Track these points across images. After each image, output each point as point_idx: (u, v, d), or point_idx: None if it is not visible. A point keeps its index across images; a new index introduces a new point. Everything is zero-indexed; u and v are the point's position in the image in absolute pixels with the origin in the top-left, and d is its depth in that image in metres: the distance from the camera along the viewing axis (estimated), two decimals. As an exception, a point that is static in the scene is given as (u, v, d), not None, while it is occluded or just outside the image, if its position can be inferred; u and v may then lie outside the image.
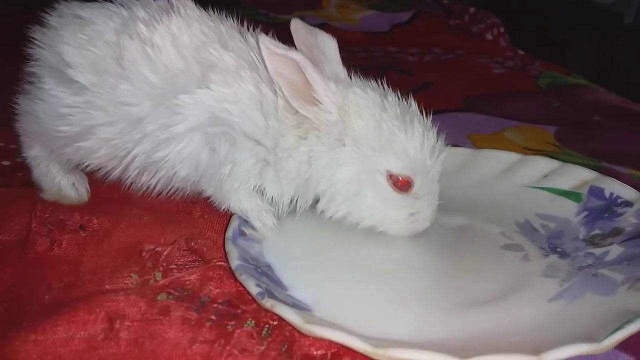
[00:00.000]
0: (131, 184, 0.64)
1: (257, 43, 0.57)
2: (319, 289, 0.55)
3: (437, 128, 0.62)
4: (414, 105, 0.61)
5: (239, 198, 0.62)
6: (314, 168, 0.59)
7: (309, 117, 0.57)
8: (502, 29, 1.50)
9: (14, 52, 0.64)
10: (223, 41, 0.58)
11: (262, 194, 0.62)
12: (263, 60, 0.56)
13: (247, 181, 0.60)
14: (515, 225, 0.65)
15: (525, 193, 0.70)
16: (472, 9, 1.62)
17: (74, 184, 0.69)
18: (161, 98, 0.57)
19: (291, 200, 0.62)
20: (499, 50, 1.43)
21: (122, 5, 0.61)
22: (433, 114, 1.09)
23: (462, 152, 0.77)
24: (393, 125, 0.57)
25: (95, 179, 0.67)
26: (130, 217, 0.66)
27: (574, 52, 2.13)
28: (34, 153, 0.68)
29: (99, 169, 0.64)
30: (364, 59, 1.44)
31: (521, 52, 1.40)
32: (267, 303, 0.50)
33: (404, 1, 1.70)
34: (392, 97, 0.60)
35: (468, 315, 0.52)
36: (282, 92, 0.56)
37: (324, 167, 0.58)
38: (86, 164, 0.64)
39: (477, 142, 0.93)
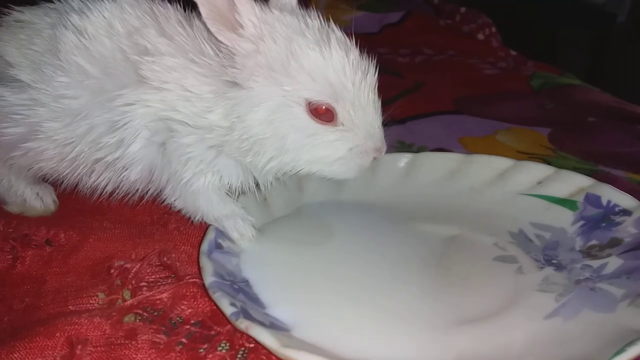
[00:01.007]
0: (93, 191, 0.60)
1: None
2: (299, 306, 0.52)
3: (366, 54, 0.55)
4: (336, 28, 0.56)
5: (210, 204, 0.58)
6: (236, 120, 0.53)
7: (227, 45, 0.52)
8: (493, 29, 1.47)
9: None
10: (158, 26, 0.55)
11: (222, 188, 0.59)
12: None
13: (207, 174, 0.57)
14: (508, 235, 0.62)
15: (519, 201, 0.66)
16: (463, 9, 1.58)
17: (38, 194, 0.66)
18: (98, 90, 0.55)
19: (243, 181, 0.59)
20: (491, 51, 1.40)
21: (59, 0, 0.60)
22: (424, 117, 1.08)
23: (452, 158, 0.74)
24: (308, 48, 0.52)
25: (66, 191, 0.64)
26: (101, 231, 0.62)
27: (567, 51, 2.11)
28: None
29: (54, 174, 0.61)
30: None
31: (513, 53, 1.37)
32: (242, 324, 0.46)
33: (394, 1, 1.67)
34: (313, 21, 0.55)
35: (458, 333, 0.49)
36: (201, 14, 0.52)
37: (244, 113, 0.53)
38: (37, 168, 0.61)
39: (468, 145, 0.90)
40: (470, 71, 1.29)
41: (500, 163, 0.70)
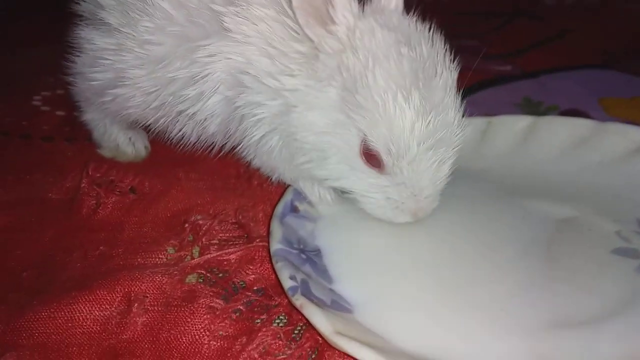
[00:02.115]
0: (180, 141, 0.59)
1: None
2: (369, 285, 0.47)
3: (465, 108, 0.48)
4: (444, 63, 0.48)
5: (285, 163, 0.54)
6: (293, 106, 0.48)
7: (313, 41, 0.47)
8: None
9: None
10: None
11: None
12: None
13: (280, 132, 0.52)
14: (636, 223, 0.51)
15: (657, 183, 0.55)
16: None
17: (130, 139, 0.67)
18: (181, 37, 0.52)
19: None
20: (660, -7, 1.20)
21: None
22: (563, 70, 0.95)
23: (581, 124, 0.62)
24: (386, 84, 0.45)
25: (159, 138, 0.63)
26: (185, 181, 0.62)
27: None
28: (91, 116, 0.67)
29: (144, 121, 0.60)
30: (490, 2, 1.27)
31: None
32: (297, 301, 0.42)
33: None
34: (419, 47, 0.47)
35: (553, 339, 0.41)
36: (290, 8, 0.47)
37: (308, 104, 0.48)
38: (126, 114, 0.60)
39: (609, 107, 0.77)
40: (627, 18, 1.12)
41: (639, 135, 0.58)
